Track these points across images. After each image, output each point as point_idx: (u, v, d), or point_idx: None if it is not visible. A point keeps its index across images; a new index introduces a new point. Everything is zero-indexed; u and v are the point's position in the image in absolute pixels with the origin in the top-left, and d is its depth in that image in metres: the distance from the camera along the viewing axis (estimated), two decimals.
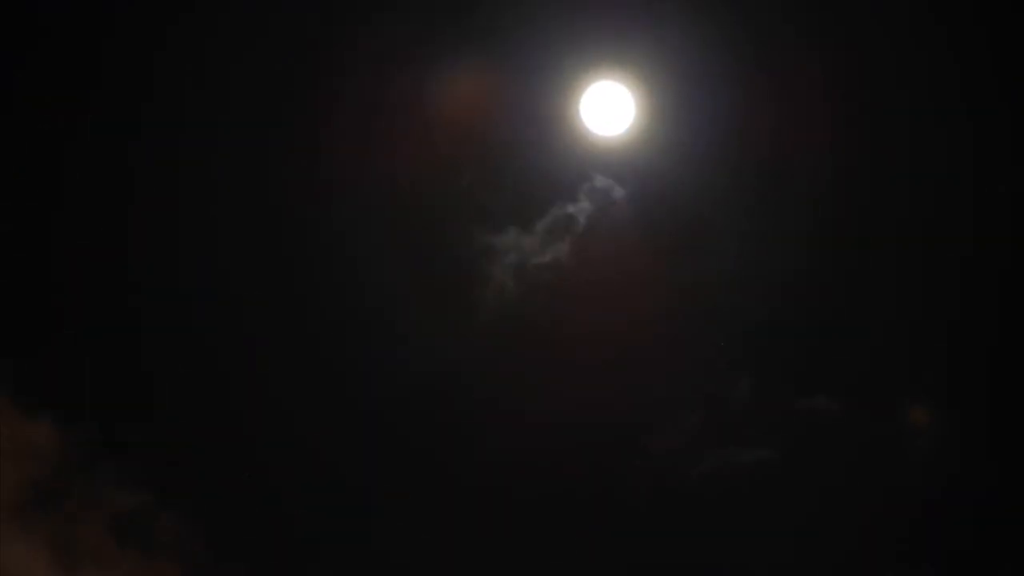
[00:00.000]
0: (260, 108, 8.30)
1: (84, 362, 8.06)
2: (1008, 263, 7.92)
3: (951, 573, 7.77)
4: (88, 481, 7.73)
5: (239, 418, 8.19)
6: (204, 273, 8.34)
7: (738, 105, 8.25)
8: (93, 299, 8.18)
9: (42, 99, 8.03)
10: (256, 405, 8.23)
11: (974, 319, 7.94)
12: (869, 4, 8.14)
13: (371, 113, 8.27)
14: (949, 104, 8.17)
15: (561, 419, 8.13)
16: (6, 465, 7.61)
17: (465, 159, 8.37)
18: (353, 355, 8.39)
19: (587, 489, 8.13)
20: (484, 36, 8.29)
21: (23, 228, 8.13)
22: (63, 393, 7.81)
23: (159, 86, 8.16)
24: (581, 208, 8.40)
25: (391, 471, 8.19)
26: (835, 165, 8.25)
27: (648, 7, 8.23)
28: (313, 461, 8.15)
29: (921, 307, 8.04)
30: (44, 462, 7.68)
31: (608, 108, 8.38)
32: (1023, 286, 7.86)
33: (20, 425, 7.71)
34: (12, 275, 8.10)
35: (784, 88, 8.21)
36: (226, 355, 8.24)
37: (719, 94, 8.26)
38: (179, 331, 8.21)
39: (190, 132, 8.20)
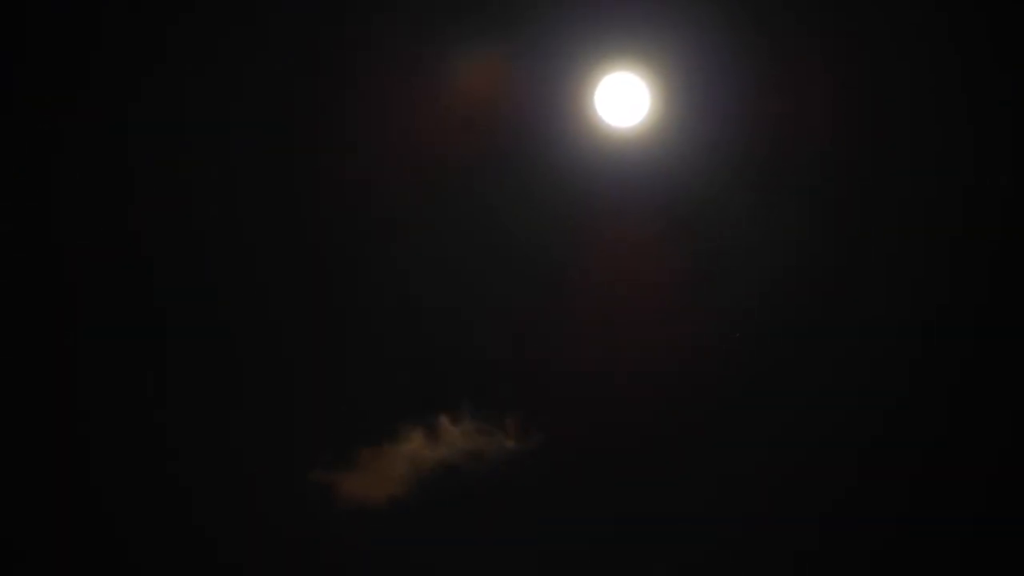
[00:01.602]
0: (268, 96, 8.24)
1: None
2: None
3: None
4: None
5: None
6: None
7: (754, 97, 8.21)
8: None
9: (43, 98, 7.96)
10: None
11: None
12: None
13: (381, 105, 8.22)
14: (966, 96, 8.16)
15: None
16: None
17: (478, 150, 8.31)
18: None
19: None
20: (497, 27, 8.26)
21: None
22: None
23: (161, 80, 8.11)
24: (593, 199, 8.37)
25: None
26: (852, 158, 8.22)
27: None
28: None
29: None
30: None
31: (623, 99, 8.35)
32: None
33: None
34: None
35: (800, 80, 8.18)
36: None
37: (734, 86, 8.23)
38: None
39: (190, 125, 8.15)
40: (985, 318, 8.03)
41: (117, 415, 8.00)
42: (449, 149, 8.27)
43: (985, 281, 8.03)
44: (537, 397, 8.25)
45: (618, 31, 8.26)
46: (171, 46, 8.12)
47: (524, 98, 8.32)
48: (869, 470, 8.04)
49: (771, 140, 8.25)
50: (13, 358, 7.89)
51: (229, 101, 8.24)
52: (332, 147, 8.20)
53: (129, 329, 8.04)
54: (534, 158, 8.35)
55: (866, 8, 8.15)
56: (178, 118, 8.11)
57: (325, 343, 8.28)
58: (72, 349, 7.92)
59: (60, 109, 7.97)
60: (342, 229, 8.28)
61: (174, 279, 8.12)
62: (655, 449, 8.17)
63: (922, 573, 7.84)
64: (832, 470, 8.06)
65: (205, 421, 7.98)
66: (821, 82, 8.19)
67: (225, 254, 8.21)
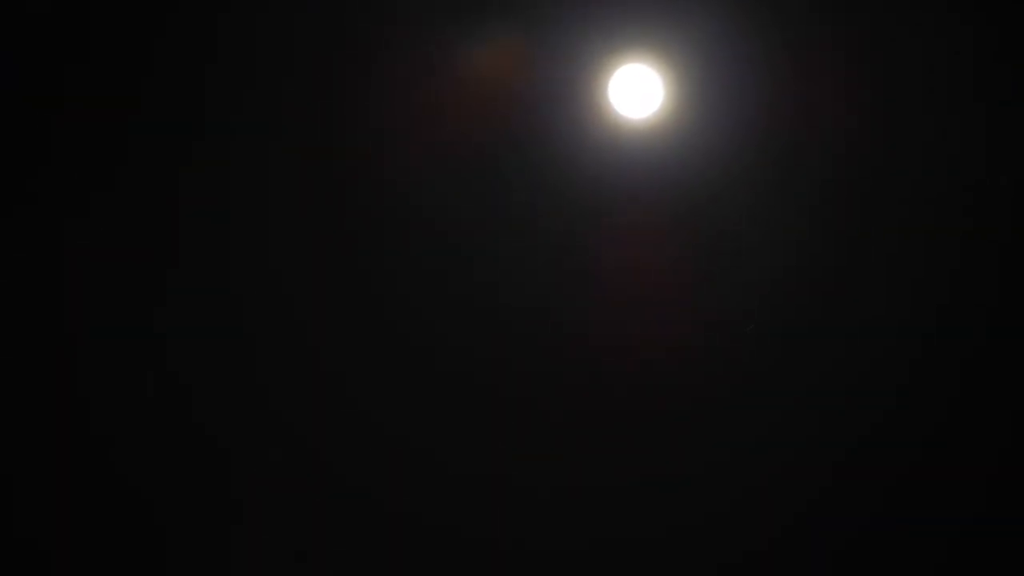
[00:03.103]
0: (279, 77, 8.16)
1: None
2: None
3: None
4: None
5: None
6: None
7: (769, 90, 8.14)
8: None
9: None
10: None
11: None
12: None
13: (392, 94, 8.15)
14: (983, 92, 8.10)
15: None
16: None
17: (490, 141, 8.26)
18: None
19: None
20: (509, 18, 8.14)
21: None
22: None
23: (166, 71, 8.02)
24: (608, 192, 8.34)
25: None
26: (868, 152, 8.19)
27: None
28: None
29: None
30: None
31: (636, 91, 8.27)
32: None
33: None
34: None
35: (817, 74, 8.10)
36: None
37: (749, 79, 8.14)
38: None
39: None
40: (994, 319, 8.12)
41: None
42: (460, 140, 8.22)
43: (995, 281, 8.10)
44: None
45: (632, 22, 8.16)
46: (178, 38, 8.02)
47: (536, 90, 8.24)
48: (867, 469, 8.20)
49: (786, 134, 8.20)
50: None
51: (249, 87, 8.17)
52: (334, 143, 8.17)
53: None
54: (546, 150, 8.30)
55: (884, 1, 8.05)
56: (187, 115, 8.06)
57: None
58: None
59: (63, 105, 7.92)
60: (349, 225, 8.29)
61: None
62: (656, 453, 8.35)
63: (922, 572, 8.06)
64: (833, 467, 8.23)
65: None
66: (838, 75, 8.12)
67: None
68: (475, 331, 8.28)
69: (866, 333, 8.19)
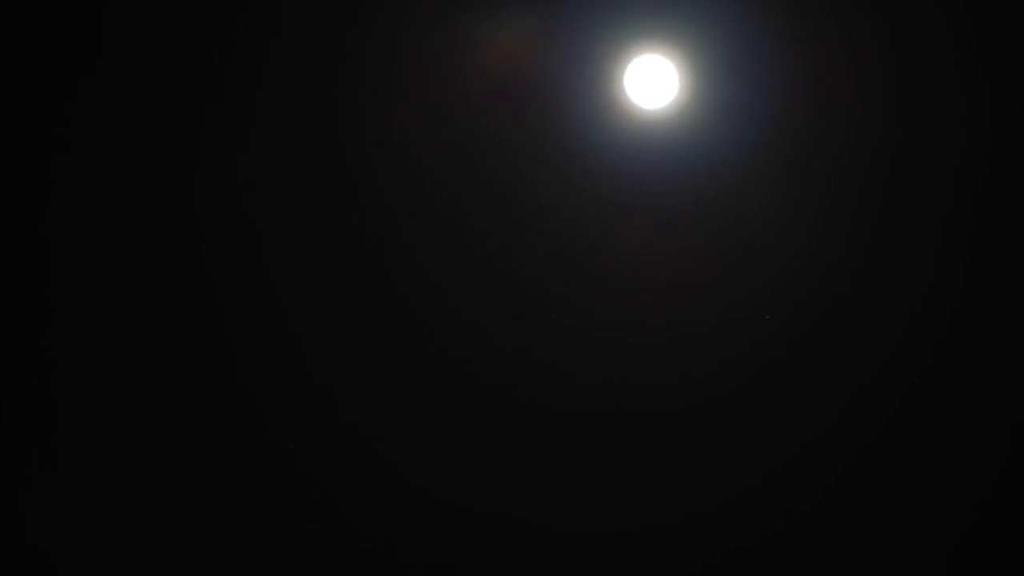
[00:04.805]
0: (294, 59, 8.30)
1: None
2: None
3: None
4: None
5: None
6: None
7: (782, 81, 8.12)
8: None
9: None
10: None
11: None
12: None
13: (408, 85, 8.27)
14: (994, 86, 7.98)
15: None
16: None
17: (505, 131, 8.37)
18: None
19: None
20: (526, 8, 8.23)
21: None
22: None
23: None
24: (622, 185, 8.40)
25: None
26: (881, 145, 8.12)
27: None
28: None
29: None
30: None
31: (652, 81, 8.30)
32: None
33: None
34: None
35: (831, 66, 8.05)
36: None
37: (764, 71, 8.13)
38: None
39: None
40: (1001, 311, 8.02)
41: None
42: (476, 130, 8.35)
43: (1002, 278, 7.99)
44: None
45: (647, 13, 8.19)
46: (196, 24, 8.20)
47: (552, 80, 8.31)
48: (876, 463, 8.18)
49: (799, 123, 8.18)
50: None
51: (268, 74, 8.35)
52: (350, 137, 8.35)
53: None
54: (561, 140, 8.38)
55: None
56: (210, 97, 8.25)
57: None
58: None
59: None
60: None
61: None
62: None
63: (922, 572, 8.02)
64: (837, 460, 8.22)
65: None
66: (853, 67, 8.06)
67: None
68: (486, 320, 8.42)
69: (878, 320, 8.16)
